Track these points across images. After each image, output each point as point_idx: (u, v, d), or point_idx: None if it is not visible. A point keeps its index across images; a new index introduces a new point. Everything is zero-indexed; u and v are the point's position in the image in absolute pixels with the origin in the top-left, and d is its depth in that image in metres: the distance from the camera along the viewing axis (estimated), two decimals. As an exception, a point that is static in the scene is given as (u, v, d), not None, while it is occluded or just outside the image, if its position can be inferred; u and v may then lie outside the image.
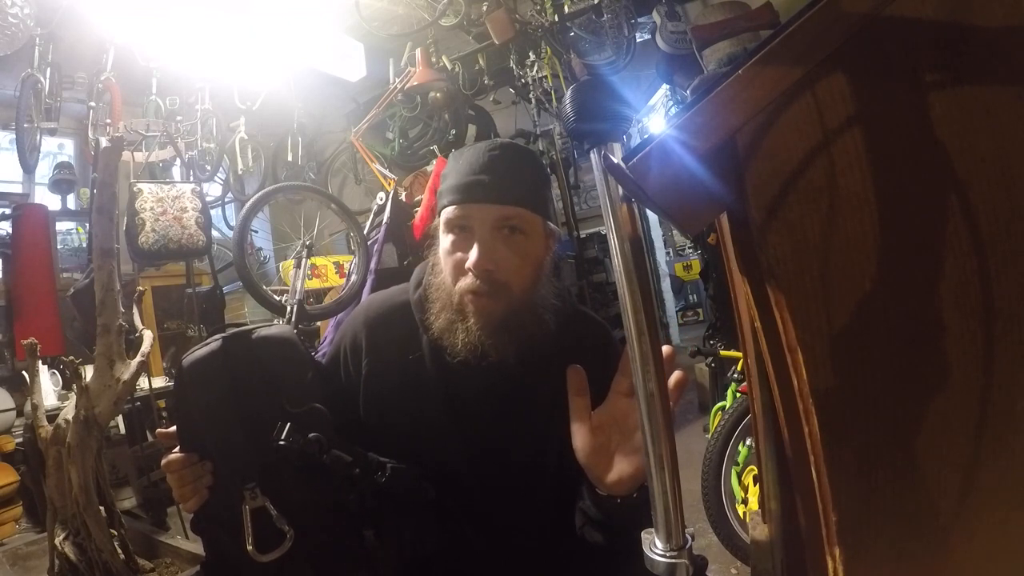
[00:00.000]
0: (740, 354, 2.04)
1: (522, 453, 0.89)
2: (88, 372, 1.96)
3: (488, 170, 0.87)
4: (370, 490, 0.82)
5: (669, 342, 7.19)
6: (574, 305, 0.98)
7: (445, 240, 0.89)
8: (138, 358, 1.98)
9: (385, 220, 3.07)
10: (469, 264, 0.84)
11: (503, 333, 0.85)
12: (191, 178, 3.96)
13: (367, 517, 0.84)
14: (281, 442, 0.78)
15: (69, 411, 1.90)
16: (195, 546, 2.10)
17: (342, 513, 0.83)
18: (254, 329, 0.89)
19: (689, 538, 0.52)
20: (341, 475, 0.81)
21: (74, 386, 1.90)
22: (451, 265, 0.87)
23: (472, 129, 4.04)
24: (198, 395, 0.83)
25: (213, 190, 4.81)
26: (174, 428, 0.85)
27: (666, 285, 7.68)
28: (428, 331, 0.91)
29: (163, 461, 0.82)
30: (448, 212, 0.88)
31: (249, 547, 0.77)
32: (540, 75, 3.71)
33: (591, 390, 0.78)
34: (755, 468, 2.10)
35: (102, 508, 1.89)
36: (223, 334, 0.86)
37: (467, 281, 0.85)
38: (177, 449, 0.82)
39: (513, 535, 0.90)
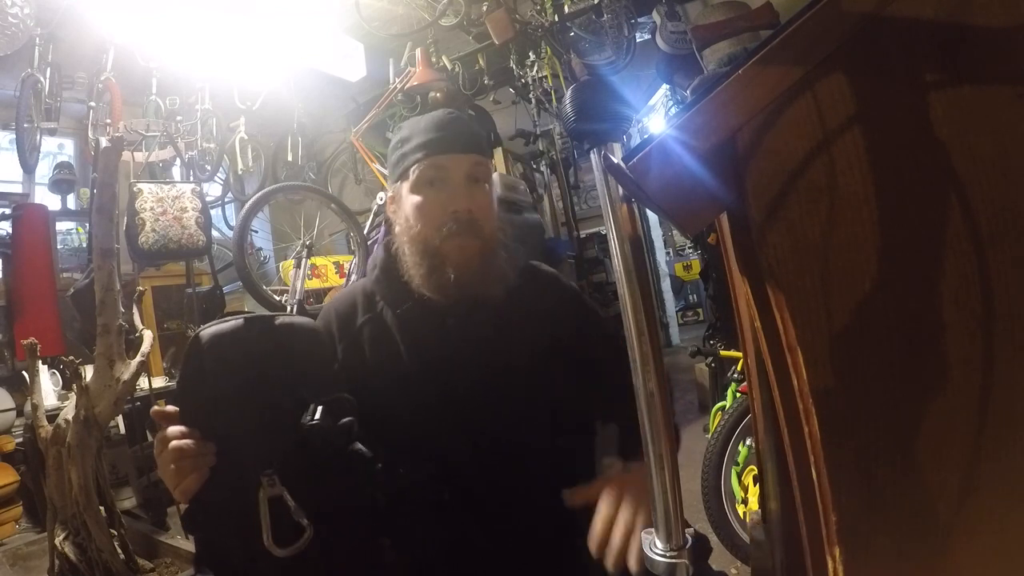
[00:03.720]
0: (740, 354, 2.04)
1: (508, 407, 0.89)
2: (88, 372, 1.96)
3: (452, 126, 0.95)
4: (388, 489, 0.80)
5: (669, 342, 7.21)
6: (524, 259, 1.04)
7: (414, 198, 0.93)
8: (138, 358, 1.98)
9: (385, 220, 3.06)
10: (453, 207, 0.90)
11: (485, 269, 0.92)
12: (191, 178, 3.96)
13: (381, 518, 0.81)
14: (313, 422, 0.74)
15: (69, 411, 1.90)
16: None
17: (357, 511, 0.80)
18: (277, 315, 0.87)
19: (689, 538, 0.52)
20: (362, 470, 0.78)
21: (74, 386, 1.90)
22: (427, 215, 0.91)
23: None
24: (216, 369, 0.77)
25: (213, 190, 4.80)
26: (172, 408, 0.77)
27: (666, 285, 7.67)
28: (396, 301, 0.95)
29: (161, 434, 0.74)
30: (421, 166, 0.92)
31: (266, 540, 0.71)
32: (540, 75, 3.71)
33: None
34: (755, 468, 2.09)
35: (102, 508, 1.89)
36: (244, 314, 0.83)
37: (448, 226, 0.90)
38: None
39: (509, 499, 0.88)
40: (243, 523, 0.72)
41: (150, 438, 3.30)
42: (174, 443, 0.73)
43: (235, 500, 0.73)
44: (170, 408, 0.77)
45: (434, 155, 0.92)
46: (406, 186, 0.95)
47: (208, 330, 0.79)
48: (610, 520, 0.76)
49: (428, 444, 0.87)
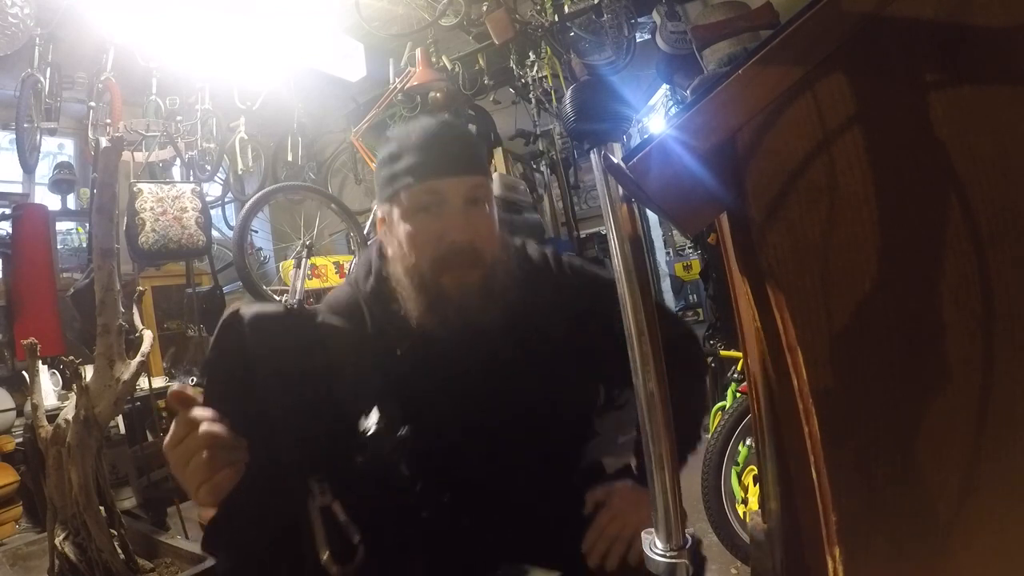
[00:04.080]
0: (740, 354, 2.03)
1: (516, 418, 0.86)
2: (88, 372, 1.96)
3: (446, 143, 0.86)
4: (427, 514, 0.75)
5: (669, 342, 7.20)
6: (513, 246, 0.96)
7: (407, 225, 0.85)
8: (138, 358, 1.98)
9: (385, 220, 3.06)
10: (451, 239, 0.83)
11: (487, 298, 0.85)
12: (191, 178, 3.96)
13: (411, 539, 0.75)
14: (375, 428, 0.67)
15: (69, 411, 1.89)
16: (195, 546, 2.10)
17: (395, 530, 0.72)
18: (315, 311, 0.81)
19: (689, 538, 0.52)
20: (403, 490, 0.72)
21: (74, 386, 1.90)
22: (422, 247, 0.84)
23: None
24: (259, 353, 0.65)
25: (213, 190, 4.80)
26: (193, 393, 0.64)
27: (666, 285, 7.66)
28: (394, 321, 0.87)
29: (185, 416, 0.61)
30: (415, 191, 0.84)
31: (323, 557, 0.61)
32: (540, 75, 3.71)
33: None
34: (755, 468, 2.09)
35: (102, 508, 1.89)
36: (280, 303, 0.77)
37: (446, 257, 0.83)
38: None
39: (514, 502, 0.86)
40: (286, 536, 0.63)
41: (150, 438, 3.30)
42: (207, 427, 0.60)
43: (276, 508, 0.63)
44: (191, 391, 0.63)
45: (427, 179, 0.84)
46: (397, 211, 0.86)
47: (249, 309, 0.68)
48: (601, 529, 0.84)
49: (440, 473, 0.83)
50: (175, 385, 0.58)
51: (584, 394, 0.94)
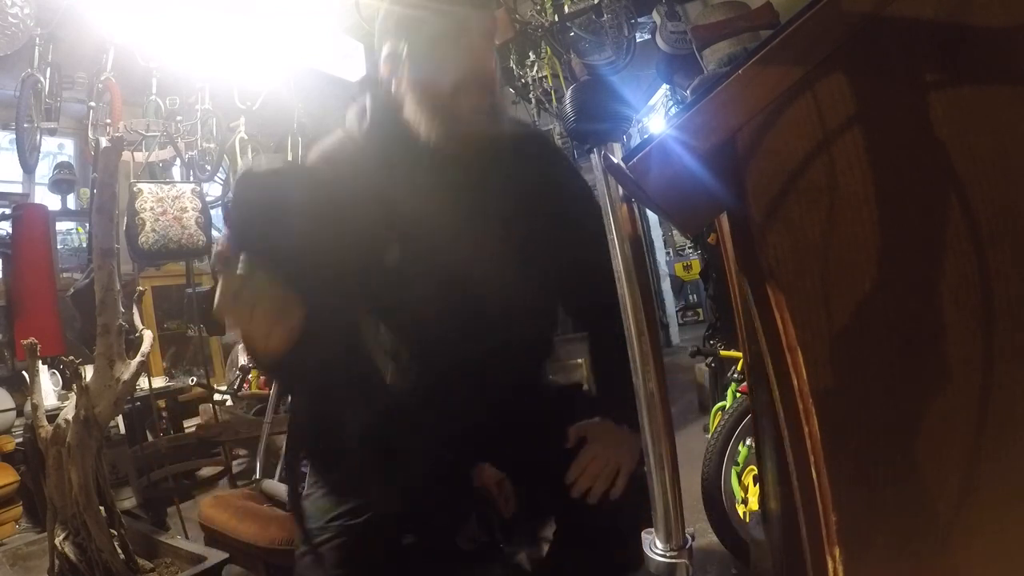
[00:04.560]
0: (740, 354, 2.03)
1: (498, 256, 0.91)
2: (88, 372, 1.95)
3: None
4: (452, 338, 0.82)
5: (669, 342, 7.20)
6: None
7: (429, 51, 0.90)
8: (138, 358, 1.98)
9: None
10: (472, 65, 0.89)
11: (493, 123, 0.93)
12: (191, 178, 3.96)
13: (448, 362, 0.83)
14: (399, 254, 0.78)
15: (69, 411, 1.89)
16: (195, 546, 2.10)
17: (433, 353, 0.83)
18: (311, 168, 0.91)
19: (689, 538, 0.52)
20: (431, 309, 0.82)
21: (74, 386, 1.90)
22: (444, 70, 0.89)
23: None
24: (283, 201, 0.67)
25: (213, 190, 4.80)
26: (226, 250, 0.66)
27: (666, 285, 7.65)
28: (404, 148, 0.93)
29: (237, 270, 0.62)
30: (440, 19, 0.89)
31: (388, 375, 0.73)
32: (540, 75, 3.71)
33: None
34: (755, 468, 2.09)
35: (102, 508, 1.88)
36: (275, 161, 0.83)
37: (468, 81, 0.89)
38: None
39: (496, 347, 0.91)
40: (352, 365, 0.72)
41: (150, 438, 3.30)
42: (262, 273, 0.62)
43: (337, 340, 0.69)
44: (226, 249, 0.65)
45: (454, 7, 0.89)
46: (415, 40, 0.91)
47: (260, 165, 0.72)
48: (582, 467, 0.88)
49: (460, 288, 0.88)
50: (219, 243, 0.76)
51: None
